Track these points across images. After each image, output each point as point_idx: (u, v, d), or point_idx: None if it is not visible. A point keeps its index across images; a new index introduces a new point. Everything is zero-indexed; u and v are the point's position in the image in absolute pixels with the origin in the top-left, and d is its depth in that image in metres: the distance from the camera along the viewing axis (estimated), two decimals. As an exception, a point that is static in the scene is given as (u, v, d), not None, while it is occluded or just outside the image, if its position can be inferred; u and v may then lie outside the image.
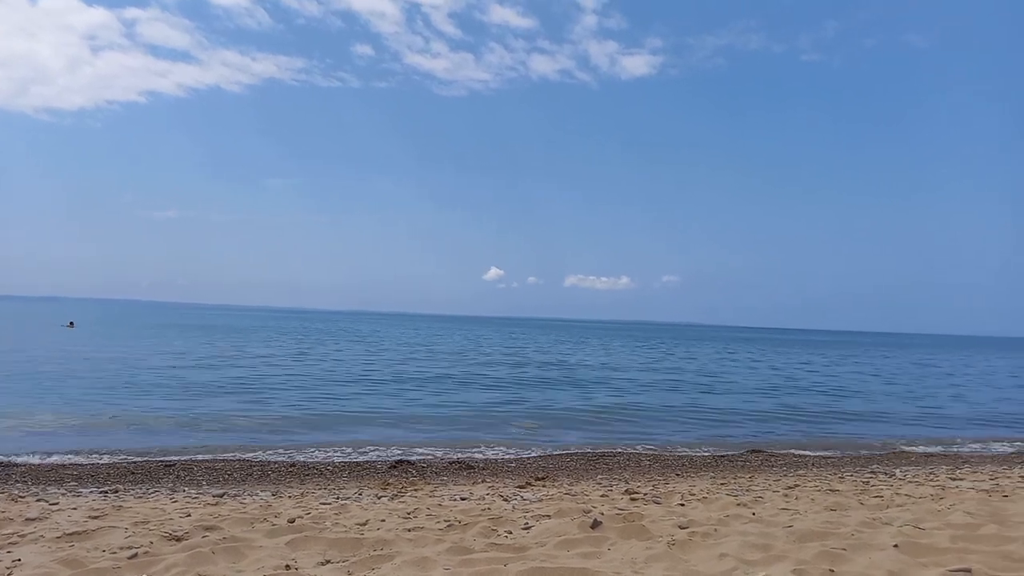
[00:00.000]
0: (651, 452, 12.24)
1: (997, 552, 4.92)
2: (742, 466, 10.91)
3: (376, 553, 4.95)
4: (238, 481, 8.90)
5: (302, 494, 7.80)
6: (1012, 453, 13.20)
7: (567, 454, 11.80)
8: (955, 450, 13.53)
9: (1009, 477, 9.30)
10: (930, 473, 9.84)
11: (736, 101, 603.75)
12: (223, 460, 10.32)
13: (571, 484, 8.72)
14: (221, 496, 7.57)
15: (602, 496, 7.58)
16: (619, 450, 12.33)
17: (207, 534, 5.45)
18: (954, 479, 9.17)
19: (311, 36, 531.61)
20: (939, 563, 4.68)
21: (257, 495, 7.69)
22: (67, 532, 5.40)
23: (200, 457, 10.51)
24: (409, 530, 5.70)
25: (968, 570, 4.51)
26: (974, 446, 14.14)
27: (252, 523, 5.90)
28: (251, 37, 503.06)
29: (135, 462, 9.91)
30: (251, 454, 10.92)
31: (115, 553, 4.84)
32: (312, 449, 11.53)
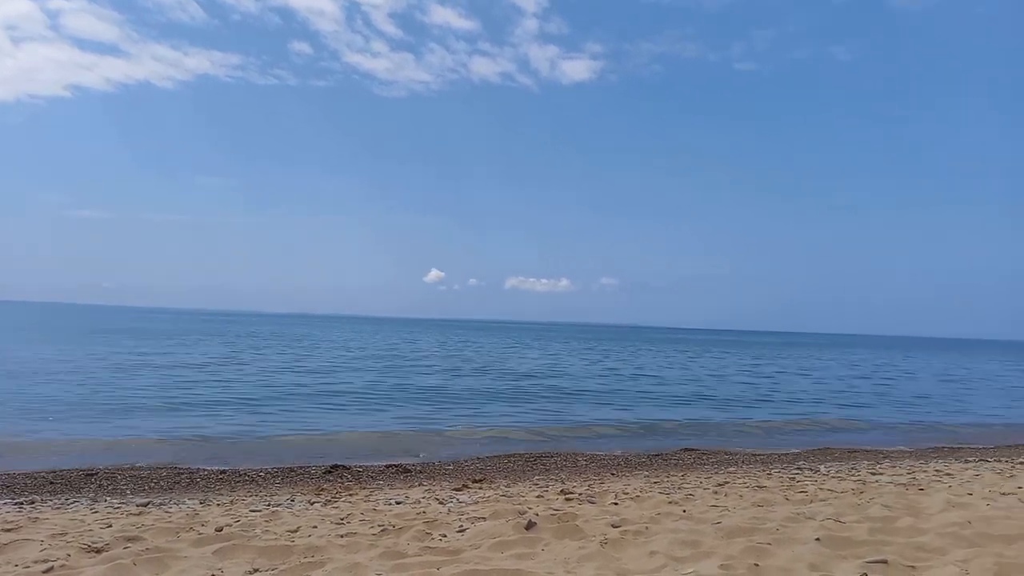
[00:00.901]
0: (588, 452, 12.37)
1: (911, 543, 5.15)
2: (675, 464, 11.13)
3: (307, 560, 4.86)
4: (164, 489, 8.62)
5: (232, 501, 7.59)
6: (929, 448, 13.83)
7: (505, 456, 11.82)
8: (876, 446, 14.10)
9: (925, 471, 9.74)
10: (852, 468, 10.23)
11: (672, 107, 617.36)
12: (149, 468, 9.96)
13: (508, 486, 8.74)
14: (145, 505, 7.31)
15: (538, 497, 7.63)
16: (557, 451, 12.43)
17: (129, 545, 5.25)
18: (874, 473, 9.55)
19: (247, 32, 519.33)
20: (857, 555, 4.87)
21: (184, 503, 7.46)
22: (-24, 547, 5.13)
23: (125, 465, 10.13)
24: (342, 536, 5.61)
25: (884, 561, 4.70)
26: (895, 442, 14.77)
27: (177, 532, 5.71)
28: (183, 31, 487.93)
29: (54, 471, 9.47)
30: (179, 461, 10.57)
31: (29, 567, 4.62)
32: (244, 456, 11.24)
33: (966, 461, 11.16)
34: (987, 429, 17.55)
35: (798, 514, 6.26)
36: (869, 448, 13.56)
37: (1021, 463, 10.77)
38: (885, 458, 11.87)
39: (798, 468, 10.35)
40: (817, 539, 5.20)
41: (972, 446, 14.18)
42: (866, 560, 4.73)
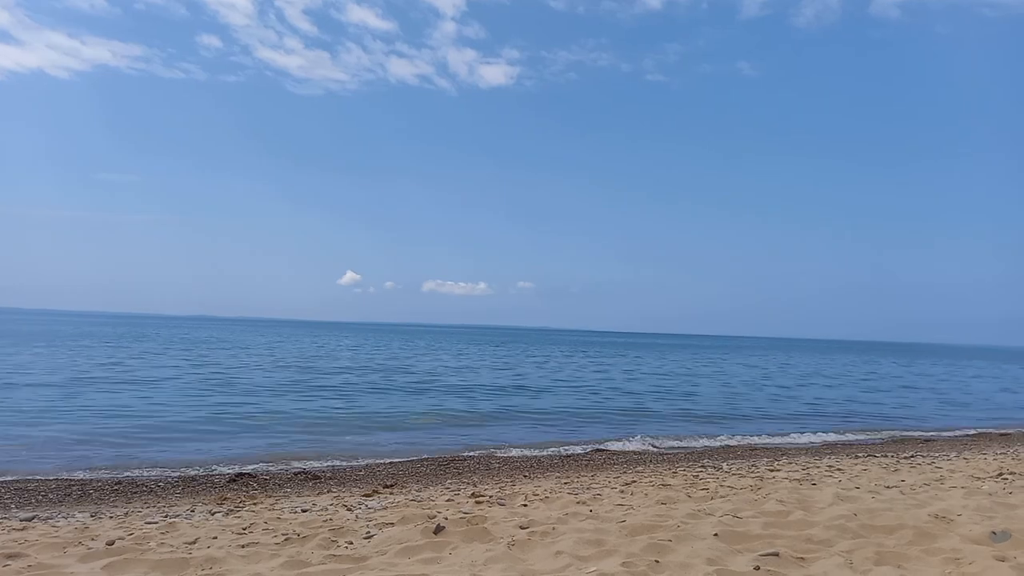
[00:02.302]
0: (502, 455, 12.43)
1: (801, 536, 5.42)
2: (586, 465, 11.33)
3: (204, 572, 4.70)
4: (53, 503, 8.13)
5: (126, 514, 7.24)
6: (822, 444, 14.58)
7: (418, 460, 11.74)
8: (776, 443, 14.75)
9: (818, 467, 10.26)
10: (752, 465, 10.67)
11: (587, 115, 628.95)
12: (36, 480, 9.38)
13: (420, 490, 8.68)
14: (30, 520, 6.88)
15: (448, 501, 7.61)
16: (471, 454, 12.44)
17: (9, 562, 4.94)
18: (772, 470, 9.99)
19: (150, 22, 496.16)
20: (751, 548, 5.09)
21: (73, 517, 7.06)
22: None
23: (9, 478, 9.50)
24: (243, 546, 5.44)
25: (776, 554, 4.93)
26: (791, 439, 15.49)
27: (64, 548, 5.41)
28: (81, 19, 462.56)
29: (-73, 487, 8.80)
30: (69, 473, 10.00)
31: None
32: (142, 467, 10.74)
33: (856, 456, 11.82)
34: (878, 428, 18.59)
35: (699, 511, 6.49)
36: (769, 446, 14.18)
37: (906, 458, 11.50)
38: (783, 455, 12.44)
39: (702, 466, 10.72)
40: (715, 534, 5.41)
41: (863, 442, 15.03)
42: (759, 553, 4.94)
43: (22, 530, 6.31)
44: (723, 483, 8.62)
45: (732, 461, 11.39)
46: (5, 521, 6.79)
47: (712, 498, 7.39)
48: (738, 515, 6.23)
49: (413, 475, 10.36)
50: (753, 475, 9.43)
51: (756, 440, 15.08)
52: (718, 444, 14.41)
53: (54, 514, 7.26)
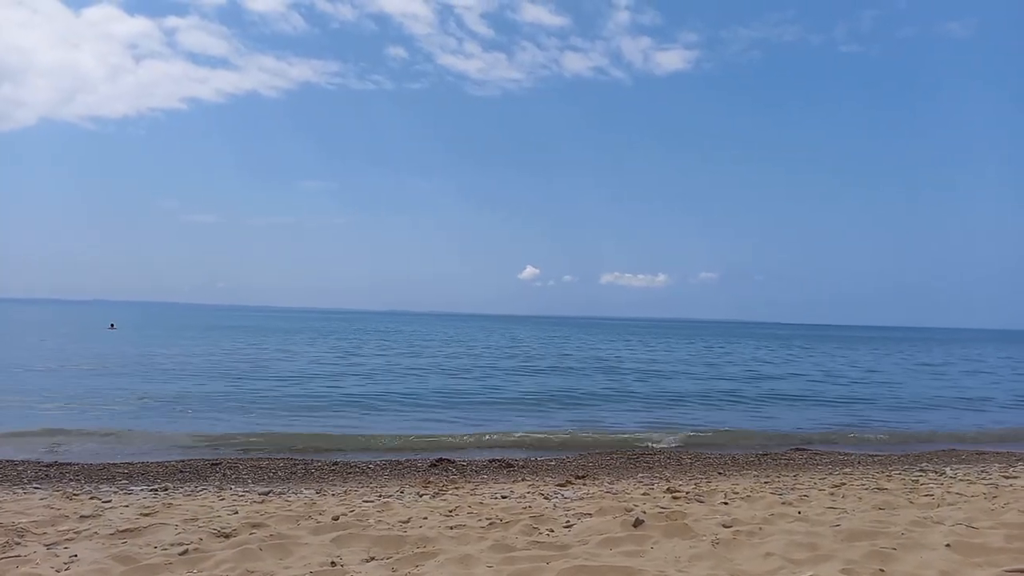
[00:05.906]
0: (692, 451, 12.13)
1: (1056, 552, 4.77)
2: (786, 464, 10.75)
3: (419, 550, 5.00)
4: (282, 479, 9.05)
5: (345, 492, 7.89)
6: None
7: (607, 453, 11.74)
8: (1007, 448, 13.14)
9: (1066, 475, 8.99)
10: (982, 471, 9.56)
11: (772, 95, 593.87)
12: (268, 458, 10.50)
13: (612, 482, 8.68)
14: (267, 494, 7.70)
15: (643, 494, 7.53)
16: (660, 448, 12.25)
17: (254, 531, 5.56)
18: (1008, 477, 8.90)
19: (345, 39, 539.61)
20: (994, 563, 4.55)
21: (301, 493, 7.81)
22: (120, 529, 5.55)
23: (245, 455, 10.71)
24: (451, 528, 5.73)
25: (1025, 571, 4.38)
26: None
27: (297, 520, 5.99)
28: (287, 42, 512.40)
29: (183, 460, 10.15)
30: (294, 453, 11.09)
31: (166, 549, 4.96)
32: (353, 449, 11.70)
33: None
34: None
35: (925, 518, 5.92)
36: (1000, 450, 12.66)
37: None
38: (1019, 460, 11.04)
39: (921, 470, 9.78)
40: (947, 545, 4.90)
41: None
42: (1005, 569, 4.42)
43: (261, 503, 7.08)
44: (949, 489, 7.79)
45: (956, 465, 10.27)
46: (247, 495, 7.66)
47: (939, 505, 6.70)
48: (973, 525, 5.61)
49: (603, 467, 10.39)
50: (985, 482, 8.44)
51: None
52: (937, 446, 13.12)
53: (285, 490, 8.07)
